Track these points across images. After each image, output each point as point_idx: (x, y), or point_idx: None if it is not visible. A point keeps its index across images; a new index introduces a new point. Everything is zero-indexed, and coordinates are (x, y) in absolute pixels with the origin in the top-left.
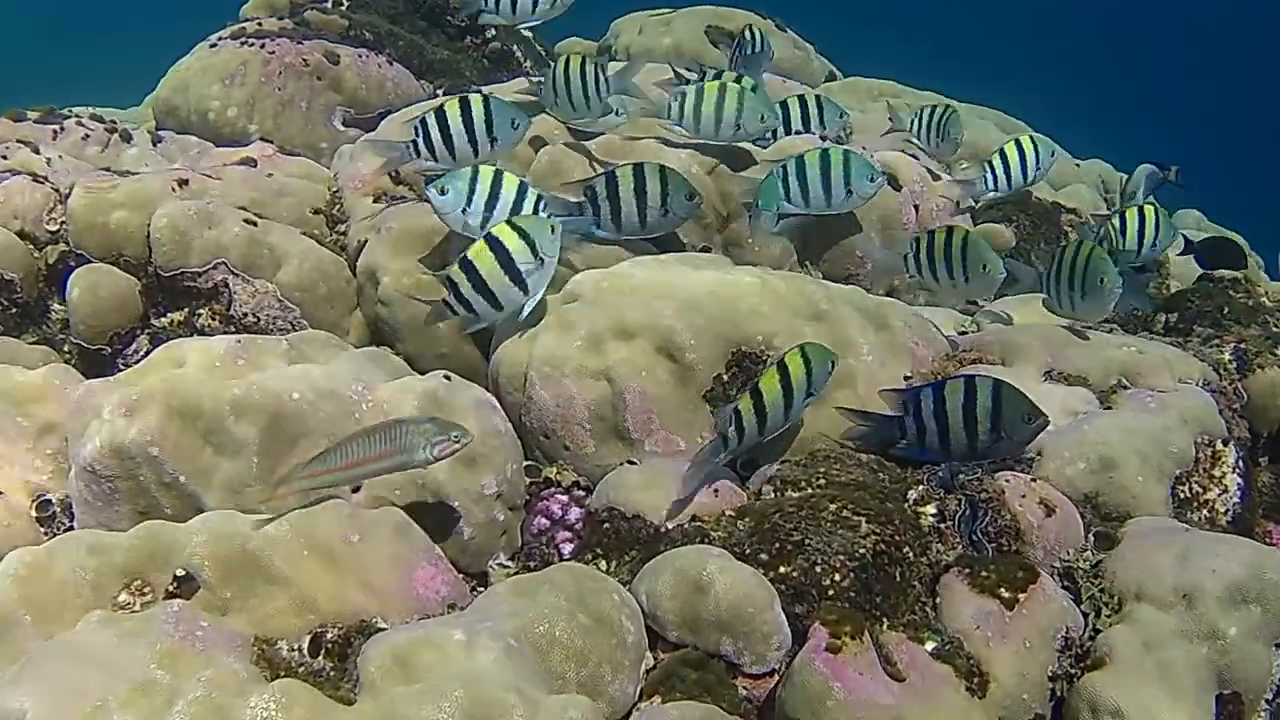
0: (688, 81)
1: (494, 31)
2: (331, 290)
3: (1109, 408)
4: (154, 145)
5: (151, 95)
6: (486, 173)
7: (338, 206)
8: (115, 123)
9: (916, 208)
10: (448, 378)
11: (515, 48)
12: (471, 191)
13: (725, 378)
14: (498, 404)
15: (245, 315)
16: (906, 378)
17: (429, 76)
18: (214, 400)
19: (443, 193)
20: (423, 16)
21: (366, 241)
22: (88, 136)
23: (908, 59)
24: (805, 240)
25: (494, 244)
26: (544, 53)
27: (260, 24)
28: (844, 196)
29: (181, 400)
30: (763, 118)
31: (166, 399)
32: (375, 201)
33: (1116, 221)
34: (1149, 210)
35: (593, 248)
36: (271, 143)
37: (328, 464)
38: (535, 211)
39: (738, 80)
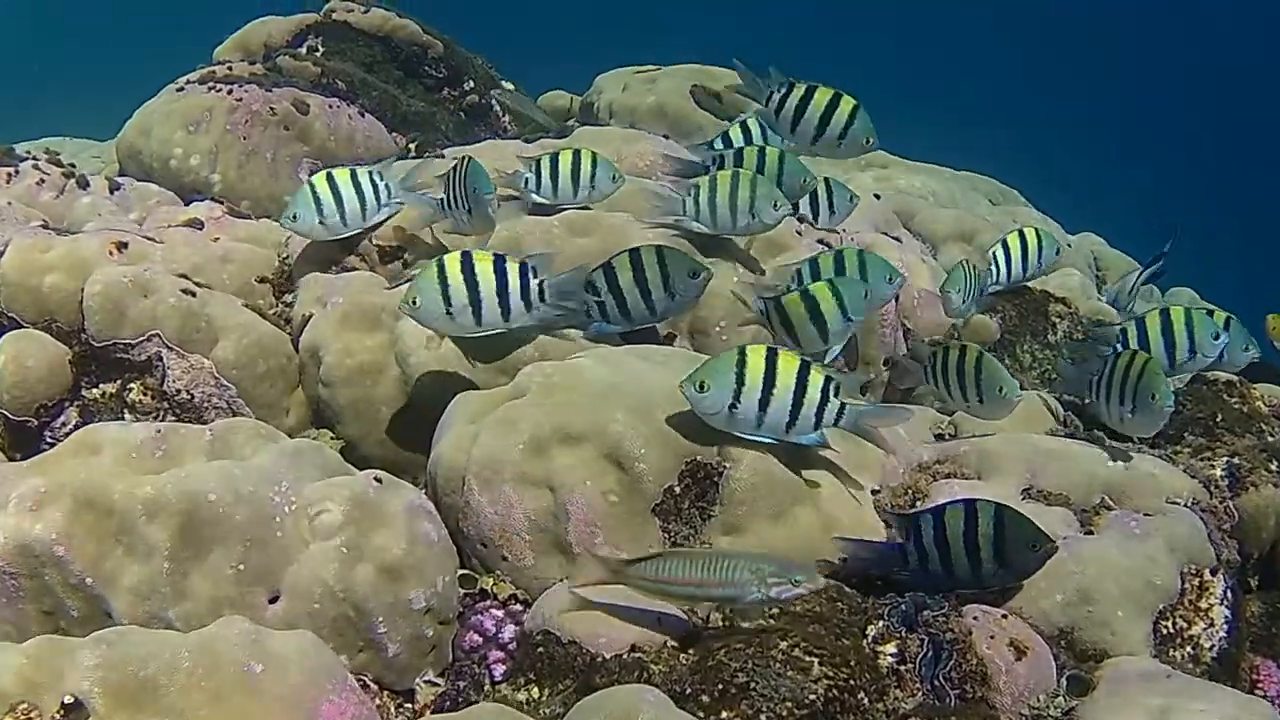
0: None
1: (471, 84)
2: (271, 368)
3: (1090, 531)
4: (110, 193)
5: (118, 136)
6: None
7: (287, 274)
8: (74, 166)
9: (897, 298)
10: (378, 480)
11: (494, 102)
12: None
13: (678, 489)
14: (433, 509)
15: (179, 392)
16: (874, 491)
17: (403, 129)
18: (126, 498)
19: (414, 304)
20: (399, 65)
21: (311, 316)
22: (43, 181)
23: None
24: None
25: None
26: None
27: (231, 68)
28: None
29: (91, 497)
30: (776, 205)
31: (76, 494)
32: (325, 272)
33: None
34: (1176, 316)
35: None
36: (223, 203)
37: (659, 573)
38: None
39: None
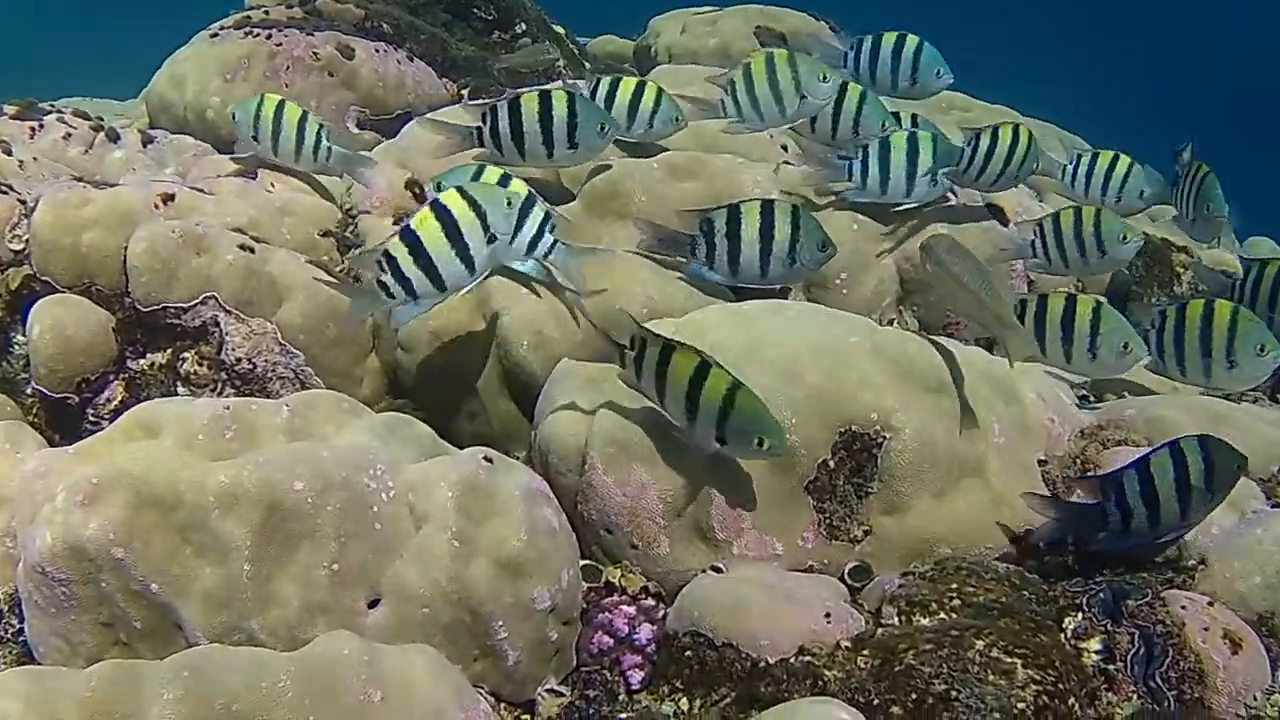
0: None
1: (524, 26)
2: (342, 332)
3: (1278, 504)
4: (144, 147)
5: (146, 89)
6: (490, 177)
7: (351, 228)
8: (102, 120)
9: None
10: (488, 459)
11: (547, 44)
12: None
13: (832, 464)
14: (550, 492)
15: (239, 360)
16: (1041, 462)
17: (453, 75)
18: (195, 489)
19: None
20: (446, 8)
21: None
22: (69, 135)
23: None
24: (903, 281)
25: (440, 212)
26: (577, 50)
27: (268, 12)
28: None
29: (154, 487)
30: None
31: (135, 485)
32: (396, 223)
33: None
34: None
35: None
36: None
37: None
38: (539, 232)
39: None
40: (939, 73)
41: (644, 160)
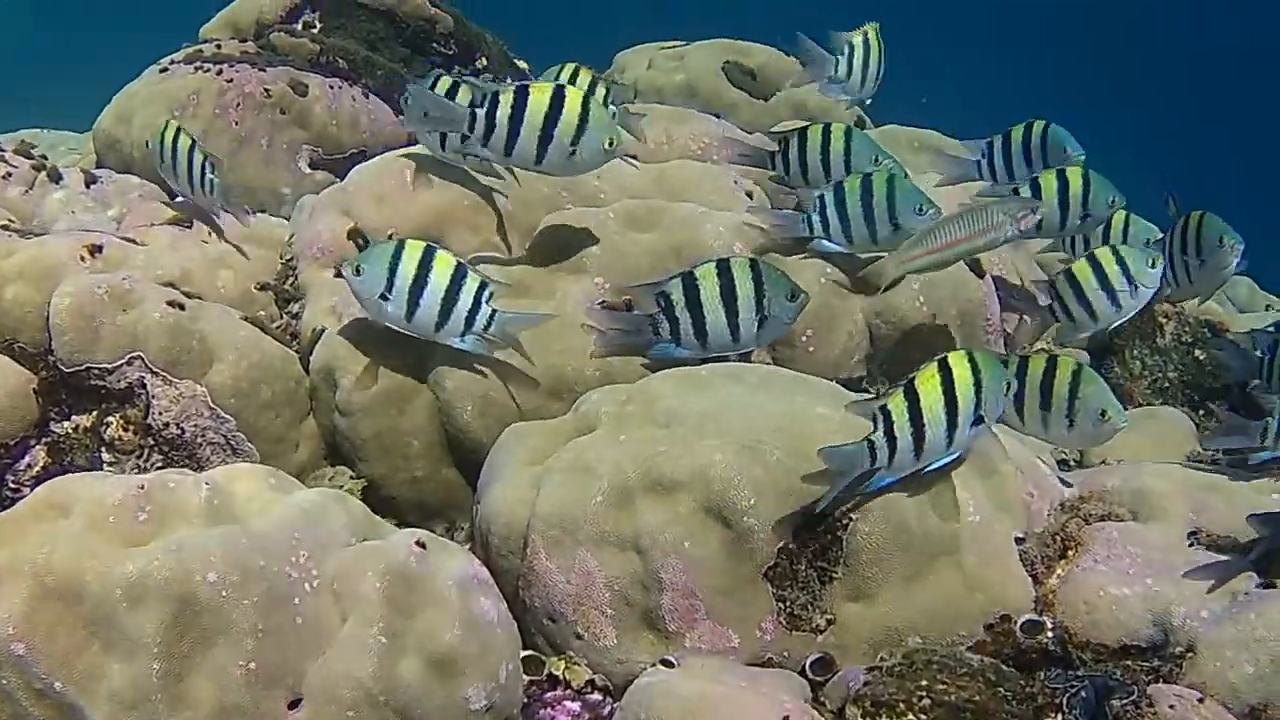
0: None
1: (485, 61)
2: (277, 394)
3: (1272, 584)
4: (87, 187)
5: (94, 125)
6: (414, 251)
7: (291, 279)
8: (45, 159)
9: (1001, 300)
10: (421, 544)
11: (509, 80)
12: (392, 274)
13: (793, 547)
14: (489, 577)
15: (166, 426)
16: (1018, 540)
17: None
18: (101, 579)
19: (357, 272)
20: (405, 42)
21: (323, 330)
22: (9, 175)
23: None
24: (873, 337)
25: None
26: None
27: (220, 46)
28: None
29: (58, 577)
30: (920, 209)
31: (38, 574)
32: (338, 275)
33: None
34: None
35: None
36: None
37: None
38: (475, 304)
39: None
40: (1067, 150)
41: (599, 210)
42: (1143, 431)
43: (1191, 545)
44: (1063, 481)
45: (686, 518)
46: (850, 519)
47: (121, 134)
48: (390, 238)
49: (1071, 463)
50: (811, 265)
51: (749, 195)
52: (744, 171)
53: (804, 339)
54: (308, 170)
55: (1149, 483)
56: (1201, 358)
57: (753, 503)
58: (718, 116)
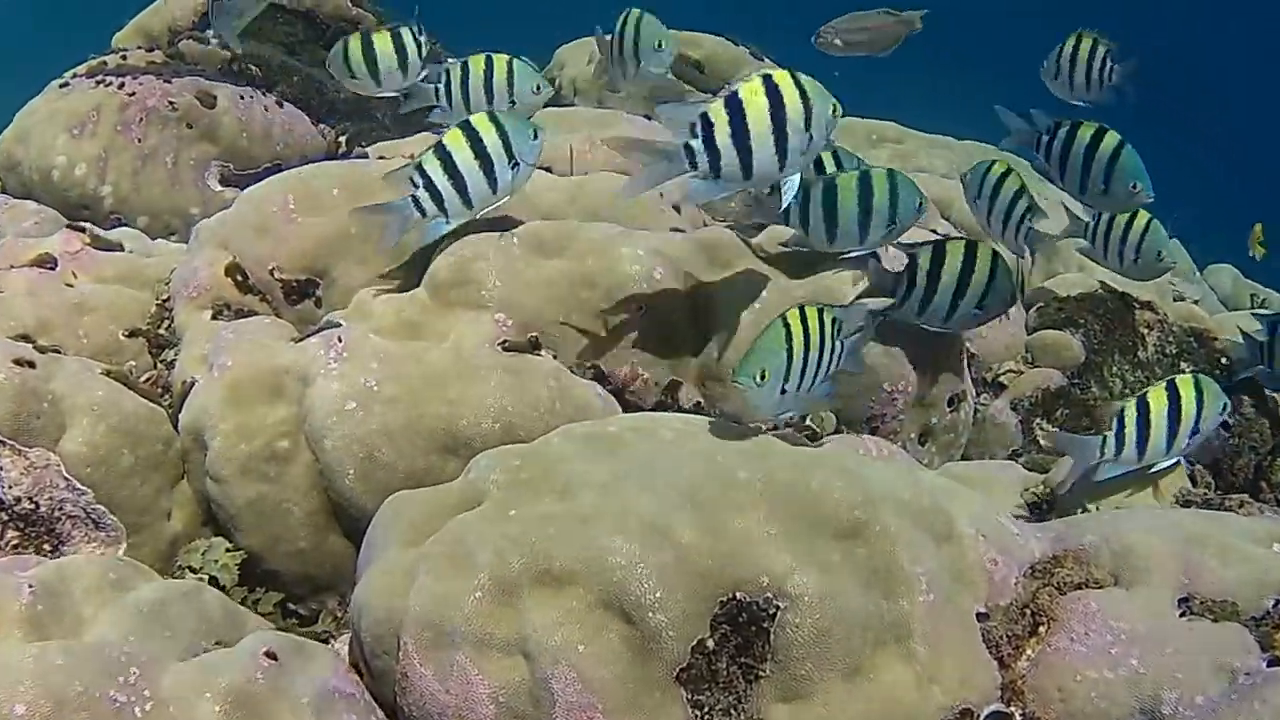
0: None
1: None
2: (142, 459)
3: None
4: None
5: None
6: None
7: (167, 322)
8: None
9: None
10: (271, 656)
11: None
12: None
13: (711, 644)
14: (354, 687)
15: (19, 500)
16: (981, 616)
17: (331, 119)
18: None
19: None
20: (326, 45)
21: (194, 383)
22: None
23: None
24: None
25: (471, 135)
26: None
27: (125, 57)
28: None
29: None
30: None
31: None
32: (215, 317)
33: None
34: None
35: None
36: (84, 230)
37: None
38: None
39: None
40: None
41: (502, 234)
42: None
43: (1183, 615)
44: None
45: (581, 615)
46: (778, 606)
47: (21, 155)
48: (272, 274)
49: (1044, 505)
50: (743, 289)
51: (677, 210)
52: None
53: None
54: (218, 188)
55: (1133, 540)
56: (1188, 371)
57: (659, 595)
58: (647, 118)
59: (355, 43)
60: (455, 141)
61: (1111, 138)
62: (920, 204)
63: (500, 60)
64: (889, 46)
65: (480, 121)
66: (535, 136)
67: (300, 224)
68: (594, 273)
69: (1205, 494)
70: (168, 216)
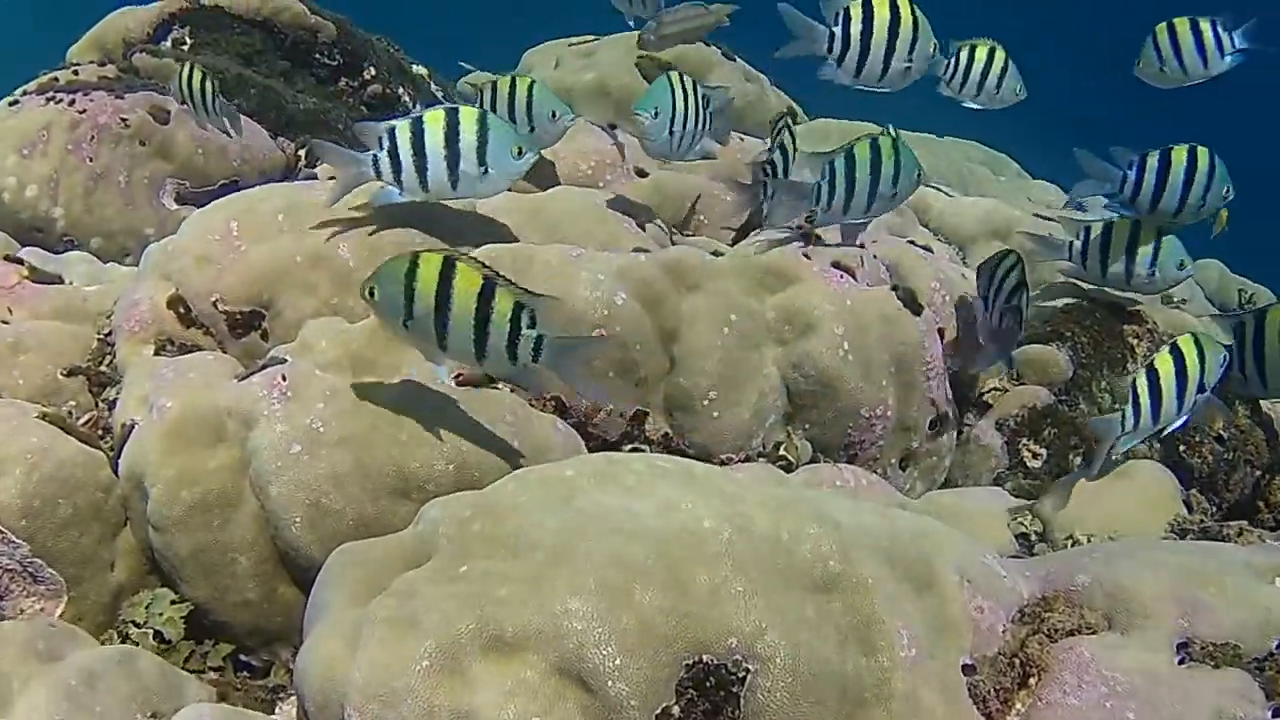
0: None
1: (374, 70)
2: (81, 508)
3: None
4: None
5: None
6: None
7: (109, 359)
8: None
9: (941, 332)
10: None
11: (402, 90)
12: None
13: (677, 711)
14: None
15: None
16: (967, 668)
17: (290, 132)
18: None
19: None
20: (285, 55)
21: (134, 425)
22: None
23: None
24: (791, 393)
25: (451, 123)
26: (442, 94)
27: (76, 72)
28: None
29: None
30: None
31: None
32: (158, 353)
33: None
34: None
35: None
36: (21, 262)
37: None
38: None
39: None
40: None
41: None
42: (1117, 494)
43: (1182, 661)
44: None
45: (536, 685)
46: (749, 669)
47: None
48: (215, 306)
49: (1033, 536)
50: (711, 312)
51: (642, 227)
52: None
53: (705, 402)
54: (174, 206)
55: (1128, 581)
56: None
57: (619, 662)
58: (613, 128)
59: None
60: (433, 123)
61: (1204, 154)
62: (919, 175)
63: (522, 83)
64: (699, 38)
65: (466, 114)
66: (520, 155)
67: (244, 252)
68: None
69: (1202, 521)
70: (122, 237)
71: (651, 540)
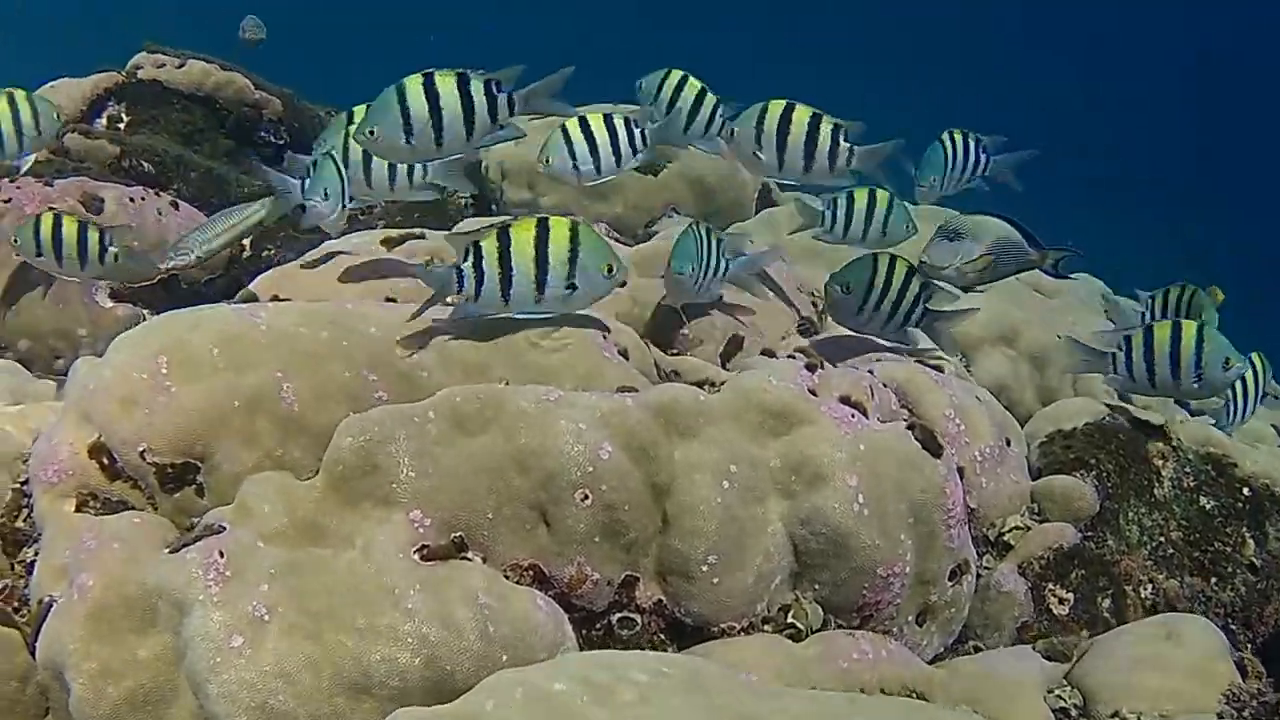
0: None
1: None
2: None
3: None
4: None
5: None
6: None
7: (25, 514)
8: None
9: (961, 471)
10: None
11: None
12: None
13: None
14: None
15: None
16: None
17: None
18: None
19: None
20: (228, 133)
21: (51, 605)
22: None
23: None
24: (799, 552)
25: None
26: None
27: None
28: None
29: None
30: None
31: None
32: (80, 508)
33: None
34: None
35: None
36: None
37: None
38: None
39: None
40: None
41: (415, 407)
42: (1163, 659)
43: None
44: None
45: None
46: None
47: None
48: (143, 457)
49: (1074, 711)
50: (708, 463)
51: (624, 355)
52: None
53: (704, 568)
54: (108, 304)
55: None
56: (1208, 507)
57: None
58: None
59: None
60: (523, 232)
61: (1190, 327)
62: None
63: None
64: None
65: (557, 225)
66: (610, 273)
67: (174, 394)
68: (528, 453)
69: (1258, 689)
70: (52, 340)
71: None
